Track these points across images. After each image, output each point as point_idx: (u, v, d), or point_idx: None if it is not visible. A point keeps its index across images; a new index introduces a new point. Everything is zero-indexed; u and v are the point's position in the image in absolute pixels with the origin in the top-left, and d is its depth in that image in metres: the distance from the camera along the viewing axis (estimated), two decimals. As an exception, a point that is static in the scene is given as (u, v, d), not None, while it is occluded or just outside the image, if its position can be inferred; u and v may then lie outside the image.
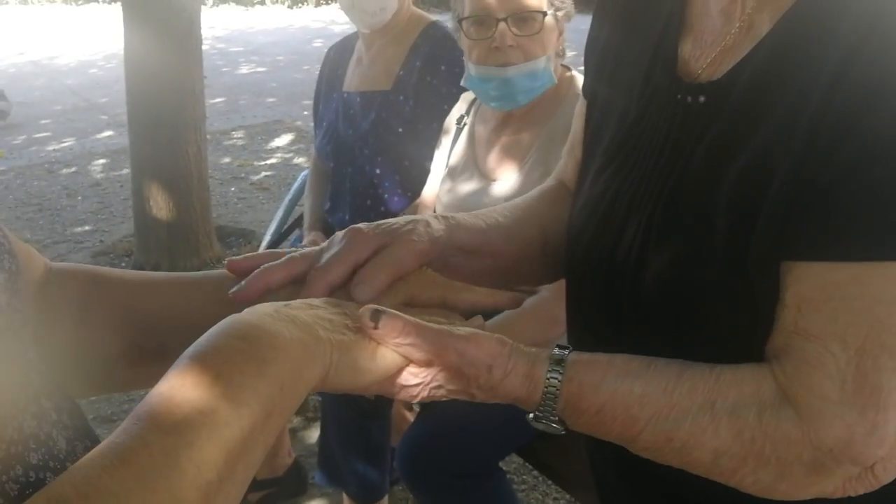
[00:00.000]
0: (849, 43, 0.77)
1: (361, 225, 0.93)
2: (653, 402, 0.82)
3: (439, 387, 0.82)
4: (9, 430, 0.58)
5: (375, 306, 0.78)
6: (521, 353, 0.84)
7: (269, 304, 0.73)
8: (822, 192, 0.77)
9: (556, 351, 0.85)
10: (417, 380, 0.81)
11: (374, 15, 2.55)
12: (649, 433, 0.82)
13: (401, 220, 0.96)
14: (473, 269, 1.03)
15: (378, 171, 2.63)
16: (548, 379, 0.83)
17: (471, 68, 2.09)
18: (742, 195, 0.83)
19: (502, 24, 1.98)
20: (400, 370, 0.80)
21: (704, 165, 0.89)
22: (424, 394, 0.83)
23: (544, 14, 1.98)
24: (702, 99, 0.91)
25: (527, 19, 1.98)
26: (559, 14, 2.02)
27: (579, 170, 1.12)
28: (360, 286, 0.86)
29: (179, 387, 0.60)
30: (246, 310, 0.71)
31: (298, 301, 0.77)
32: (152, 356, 0.87)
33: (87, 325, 0.87)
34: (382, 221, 0.95)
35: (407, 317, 0.79)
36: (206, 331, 0.70)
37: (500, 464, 2.12)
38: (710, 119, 0.90)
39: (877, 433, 0.75)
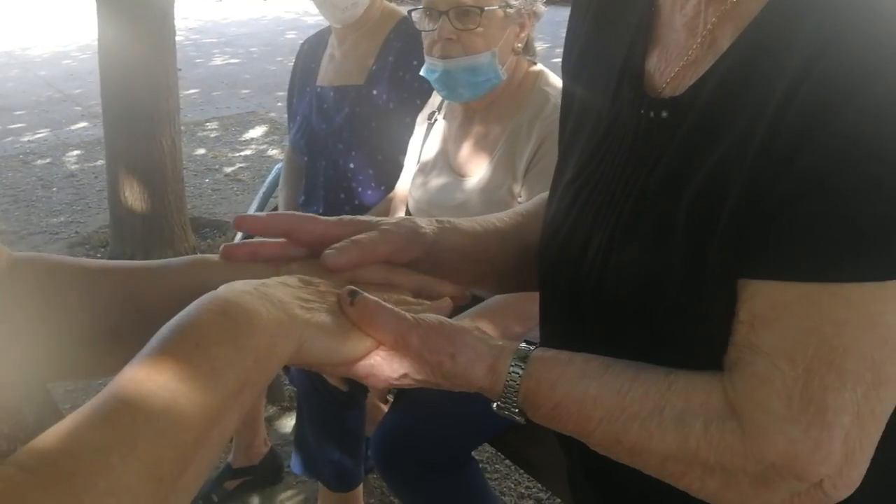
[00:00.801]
0: (802, 60, 0.78)
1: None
2: (605, 403, 0.85)
3: (405, 375, 0.86)
4: None
5: (353, 287, 0.84)
6: (487, 345, 0.89)
7: (248, 281, 0.77)
8: (773, 211, 0.78)
9: (523, 346, 0.89)
10: (384, 366, 0.85)
11: (344, 10, 2.57)
12: (601, 433, 0.85)
13: (392, 217, 1.01)
14: (473, 272, 1.07)
15: (352, 164, 2.66)
16: (510, 373, 0.87)
17: (425, 58, 2.16)
18: (700, 211, 0.84)
19: (444, 17, 2.03)
20: (368, 354, 0.84)
21: (664, 181, 0.90)
22: (393, 381, 0.86)
23: (482, 10, 2.02)
24: (664, 114, 0.92)
25: (468, 13, 2.03)
26: (510, 10, 2.05)
27: (554, 177, 1.13)
28: (331, 252, 0.93)
29: (161, 354, 0.64)
30: (224, 286, 0.75)
31: (273, 280, 0.81)
32: (107, 339, 0.91)
33: (47, 311, 0.89)
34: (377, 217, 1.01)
35: (380, 301, 0.84)
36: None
37: (473, 453, 2.15)
38: (671, 135, 0.91)
39: (820, 451, 0.76)
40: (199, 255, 0.96)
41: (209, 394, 0.64)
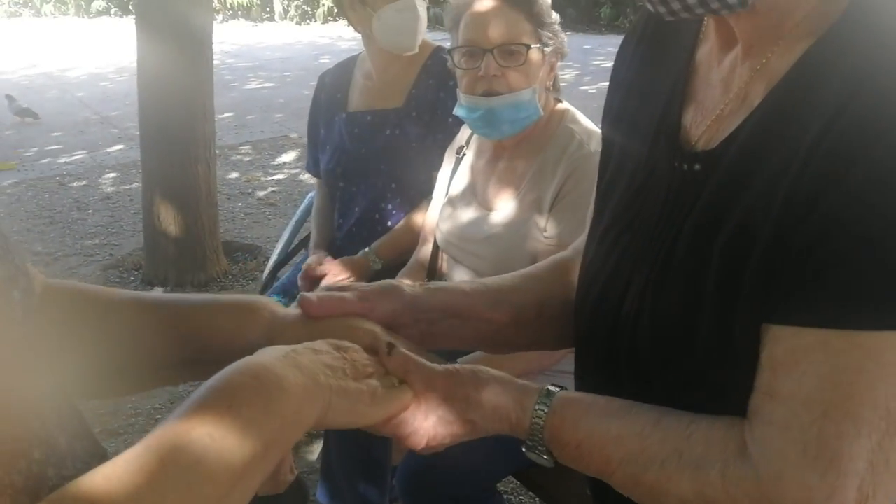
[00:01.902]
0: (829, 112, 0.80)
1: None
2: (626, 444, 0.88)
3: (438, 420, 0.92)
4: (18, 429, 0.65)
5: (390, 340, 0.92)
6: (512, 380, 0.95)
7: (280, 347, 0.83)
8: (795, 259, 0.80)
9: (548, 387, 0.94)
10: (417, 416, 0.91)
11: (421, 36, 2.69)
12: (621, 473, 0.88)
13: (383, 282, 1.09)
14: (467, 333, 1.12)
15: (393, 185, 2.74)
16: (535, 409, 0.92)
17: (460, 97, 2.17)
18: (730, 259, 0.87)
19: (489, 56, 2.05)
20: (394, 415, 0.89)
21: (697, 230, 0.93)
22: (429, 433, 0.92)
23: (528, 47, 2.05)
24: (697, 167, 0.95)
25: (513, 52, 2.05)
26: (547, 49, 2.09)
27: (591, 225, 1.16)
28: (306, 297, 1.01)
29: (195, 413, 0.69)
30: (259, 351, 0.80)
31: (304, 346, 0.86)
32: (119, 366, 0.98)
33: (78, 338, 0.95)
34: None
35: (412, 354, 0.92)
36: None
37: (498, 485, 2.17)
38: (703, 186, 0.93)
39: (834, 498, 0.77)
40: (241, 303, 1.02)
41: (236, 453, 0.68)
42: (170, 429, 0.67)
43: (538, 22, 2.08)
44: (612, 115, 1.16)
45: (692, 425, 0.87)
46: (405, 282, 1.09)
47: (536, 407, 0.92)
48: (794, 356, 0.80)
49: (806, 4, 0.88)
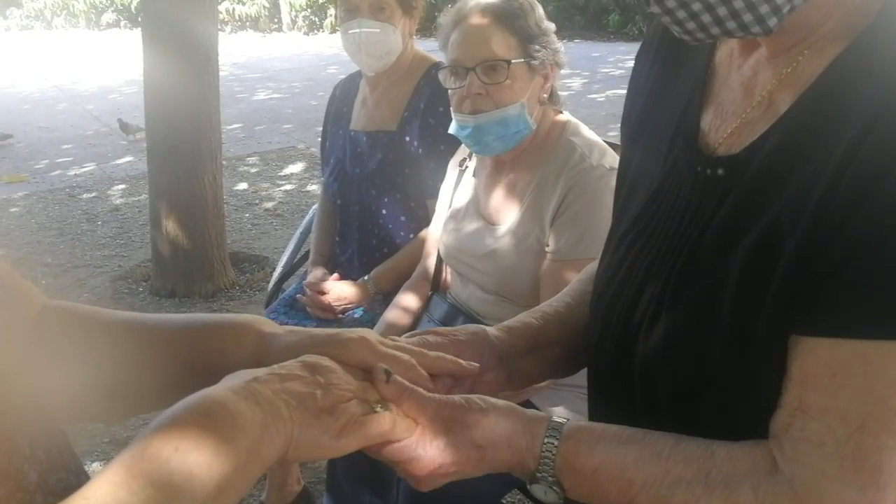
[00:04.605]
0: (861, 124, 0.80)
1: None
2: (647, 465, 0.86)
3: (447, 446, 0.88)
4: None
5: (386, 367, 0.88)
6: (516, 409, 0.92)
7: (243, 374, 0.78)
8: (829, 268, 0.79)
9: (554, 419, 0.92)
10: (418, 447, 0.88)
11: (379, 59, 2.63)
12: (645, 497, 0.86)
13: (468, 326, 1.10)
14: (545, 362, 1.13)
15: (384, 210, 2.70)
16: (546, 439, 0.89)
17: (453, 116, 2.17)
18: (753, 268, 0.86)
19: (472, 74, 2.06)
20: (389, 443, 0.86)
21: (719, 237, 0.91)
22: (435, 461, 0.88)
23: (509, 63, 2.04)
24: (720, 172, 0.94)
25: (495, 68, 2.05)
26: (534, 63, 2.08)
27: (609, 233, 1.16)
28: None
29: (140, 457, 0.66)
30: (224, 379, 0.76)
31: (271, 371, 0.81)
32: (112, 390, 0.94)
33: (62, 360, 0.92)
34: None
35: (409, 384, 0.89)
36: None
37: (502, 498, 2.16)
38: (726, 192, 0.92)
39: None
40: (227, 323, 0.98)
41: (184, 500, 0.65)
42: (112, 474, 0.64)
43: (524, 36, 2.07)
44: (632, 122, 1.15)
45: (713, 445, 0.85)
46: (488, 330, 1.11)
47: (546, 440, 0.89)
48: (829, 368, 0.79)
49: (835, 14, 0.87)
